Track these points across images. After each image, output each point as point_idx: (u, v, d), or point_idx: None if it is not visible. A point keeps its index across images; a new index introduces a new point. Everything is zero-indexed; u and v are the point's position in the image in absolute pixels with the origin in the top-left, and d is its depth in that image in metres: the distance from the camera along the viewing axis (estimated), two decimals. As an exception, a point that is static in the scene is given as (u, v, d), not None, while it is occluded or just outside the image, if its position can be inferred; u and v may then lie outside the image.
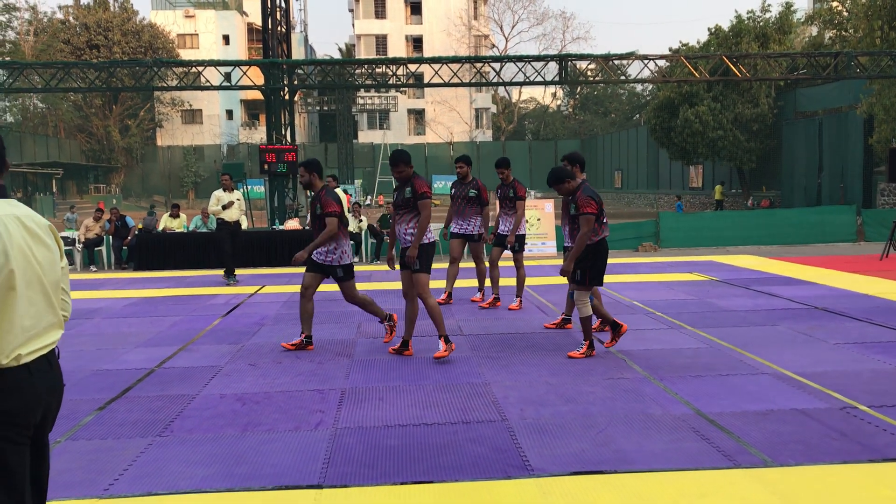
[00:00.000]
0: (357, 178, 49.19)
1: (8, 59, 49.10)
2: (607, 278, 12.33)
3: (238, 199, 12.70)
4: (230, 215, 12.64)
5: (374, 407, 5.49)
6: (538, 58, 23.48)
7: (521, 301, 9.79)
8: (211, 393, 5.98)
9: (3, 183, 2.58)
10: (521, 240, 9.62)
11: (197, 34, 61.35)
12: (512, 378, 6.23)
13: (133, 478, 4.23)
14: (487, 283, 10.14)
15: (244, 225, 13.57)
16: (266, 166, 18.88)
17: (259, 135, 57.80)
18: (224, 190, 12.74)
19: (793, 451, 4.45)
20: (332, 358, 7.12)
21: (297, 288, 12.20)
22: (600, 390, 5.81)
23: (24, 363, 2.44)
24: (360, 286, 12.20)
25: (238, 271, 13.42)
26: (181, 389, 6.10)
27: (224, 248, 12.97)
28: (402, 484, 4.07)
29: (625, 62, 24.41)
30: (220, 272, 13.66)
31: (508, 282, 10.98)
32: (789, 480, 4.04)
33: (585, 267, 6.78)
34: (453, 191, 9.88)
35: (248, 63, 22.71)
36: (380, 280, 13.08)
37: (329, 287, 12.17)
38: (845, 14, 30.14)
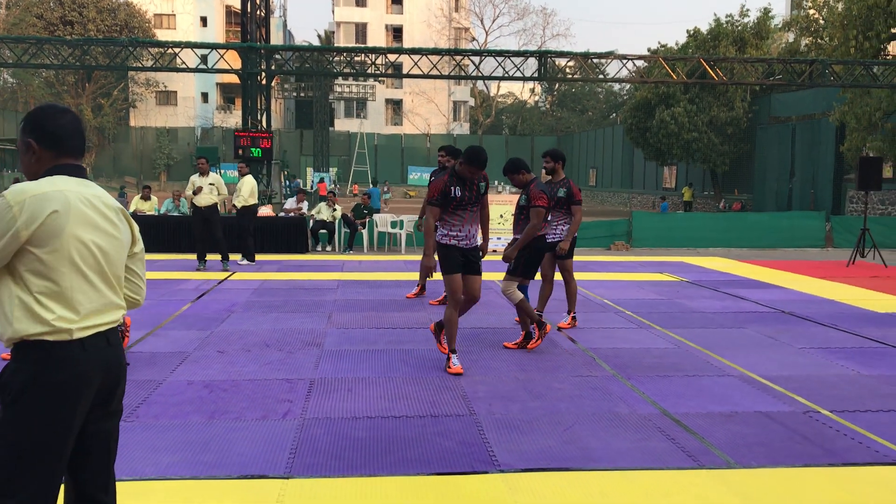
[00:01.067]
0: (332, 166, 48.92)
1: (-21, 31, 48.14)
2: (576, 276, 12.43)
3: (212, 184, 12.55)
4: (201, 200, 12.51)
5: (342, 398, 5.48)
6: (518, 53, 23.50)
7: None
8: (178, 379, 5.92)
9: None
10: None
11: (174, 14, 60.58)
12: (481, 373, 6.25)
13: (96, 463, 4.18)
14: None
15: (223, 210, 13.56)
16: (240, 151, 18.71)
17: (234, 119, 57.26)
18: (200, 174, 12.61)
19: (756, 453, 4.52)
20: (302, 348, 7.09)
21: (267, 275, 12.13)
22: (569, 387, 5.85)
23: (78, 338, 2.46)
24: (331, 276, 12.18)
25: (210, 257, 13.25)
26: (148, 375, 6.04)
27: (195, 234, 12.86)
28: (368, 476, 4.07)
29: (603, 61, 24.52)
30: (192, 256, 13.53)
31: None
32: (751, 482, 4.10)
33: (521, 259, 7.00)
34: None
35: (226, 46, 22.48)
36: (352, 270, 13.04)
37: (300, 275, 12.12)
38: (821, 22, 30.51)
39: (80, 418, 2.49)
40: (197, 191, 12.47)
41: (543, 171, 8.65)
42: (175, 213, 16.34)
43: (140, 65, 23.32)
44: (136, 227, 2.76)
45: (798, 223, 18.98)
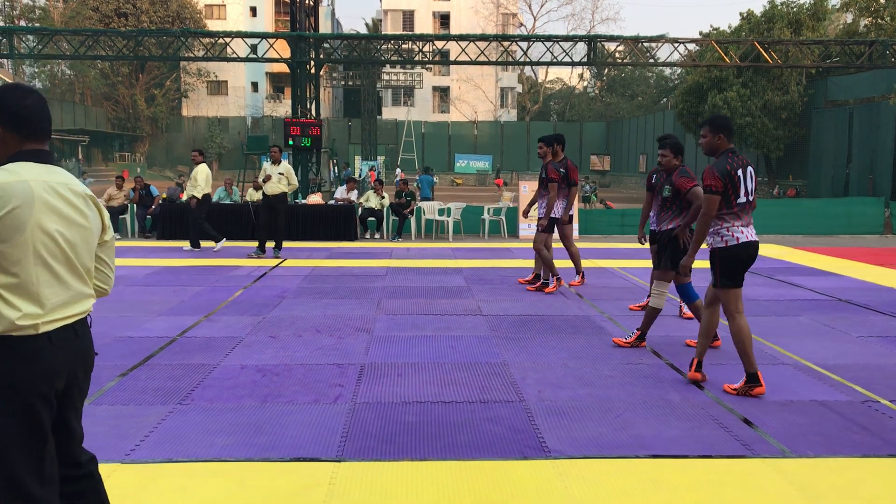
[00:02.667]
0: (380, 154, 49.14)
1: (37, 25, 49.40)
2: (626, 263, 12.34)
3: (281, 174, 12.68)
4: (269, 188, 12.69)
5: (392, 383, 5.52)
6: (566, 38, 23.26)
7: (583, 276, 10.05)
8: (231, 363, 6.03)
9: (46, 148, 2.56)
10: (549, 221, 9.52)
11: (224, 5, 61.31)
12: (530, 359, 6.23)
13: (154, 444, 4.29)
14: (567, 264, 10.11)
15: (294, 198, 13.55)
16: (291, 140, 18.89)
17: (284, 108, 57.84)
18: (272, 162, 12.79)
19: (812, 442, 4.43)
20: (352, 333, 7.16)
21: (317, 262, 12.26)
22: (619, 375, 5.81)
23: (45, 332, 2.43)
24: (380, 263, 12.26)
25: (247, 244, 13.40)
26: (202, 359, 6.16)
27: (258, 221, 13.07)
28: (419, 460, 4.10)
29: (654, 45, 24.13)
30: (243, 244, 13.73)
31: (564, 263, 10.96)
32: (807, 472, 4.02)
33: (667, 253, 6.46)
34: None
35: (275, 35, 22.68)
36: (400, 258, 13.10)
37: (349, 262, 12.23)
38: (882, 1, 29.56)
39: (51, 409, 2.48)
40: (266, 179, 12.64)
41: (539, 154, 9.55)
42: (227, 201, 16.58)
43: (192, 55, 23.67)
44: (107, 215, 2.70)
45: (855, 209, 18.49)
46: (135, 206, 16.48)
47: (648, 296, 7.49)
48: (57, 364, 2.45)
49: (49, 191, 2.45)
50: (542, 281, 9.81)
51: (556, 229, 9.78)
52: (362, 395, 5.22)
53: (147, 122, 58.21)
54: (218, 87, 62.00)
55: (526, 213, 10.54)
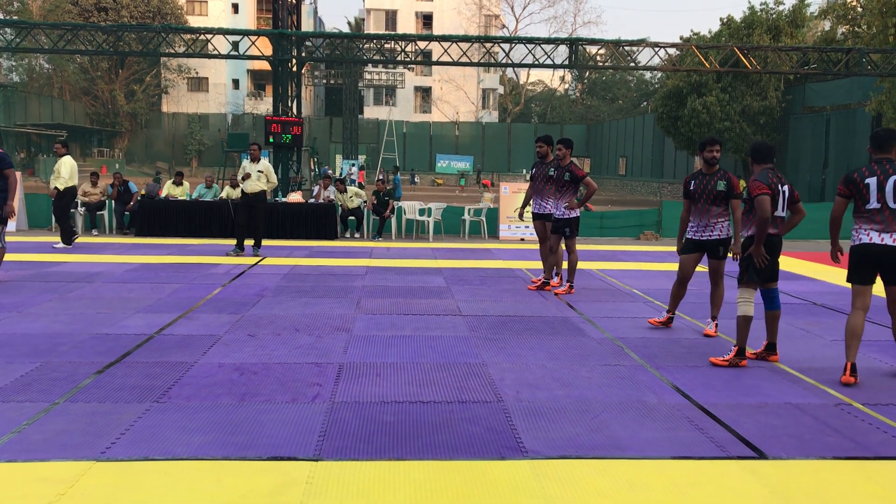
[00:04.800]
0: (361, 153, 49.02)
1: (15, 18, 48.79)
2: (605, 265, 12.41)
3: (261, 171, 12.62)
4: (249, 186, 12.62)
5: (371, 383, 5.52)
6: (548, 40, 23.34)
7: (571, 286, 9.63)
8: (209, 361, 6.00)
9: None
10: (574, 224, 9.53)
11: (206, 1, 60.97)
12: (509, 360, 6.25)
13: (130, 442, 4.26)
14: (565, 265, 9.99)
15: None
16: (271, 138, 18.81)
17: (265, 105, 57.56)
18: (252, 160, 12.72)
19: (786, 444, 4.48)
20: (331, 332, 7.14)
21: (297, 261, 12.22)
22: (596, 376, 5.84)
23: None
24: (360, 262, 12.24)
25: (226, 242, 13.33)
26: (180, 357, 6.12)
27: (237, 219, 12.98)
28: (396, 460, 4.10)
29: (635, 49, 24.27)
30: (222, 241, 13.65)
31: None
32: (781, 473, 4.07)
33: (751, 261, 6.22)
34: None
35: (257, 33, 22.58)
36: (380, 257, 13.09)
37: (329, 261, 12.20)
38: (859, 10, 29.93)
39: None
40: (245, 176, 12.58)
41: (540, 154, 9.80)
42: (206, 198, 16.49)
43: (172, 51, 23.49)
44: None
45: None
46: (113, 202, 16.34)
47: (668, 311, 7.64)
48: None
49: None
50: (542, 280, 10.01)
51: (546, 227, 9.90)
52: (340, 395, 5.22)
53: (126, 117, 57.74)
54: (199, 84, 61.63)
55: (521, 215, 10.47)
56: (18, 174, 11.43)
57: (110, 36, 22.80)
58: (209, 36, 21.81)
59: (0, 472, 3.76)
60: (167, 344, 6.53)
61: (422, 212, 17.00)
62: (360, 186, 17.94)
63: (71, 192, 13.54)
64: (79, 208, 16.15)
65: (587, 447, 4.36)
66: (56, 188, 13.32)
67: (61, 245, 13.23)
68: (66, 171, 13.35)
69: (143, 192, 16.75)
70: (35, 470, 3.85)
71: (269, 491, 3.70)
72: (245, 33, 22.19)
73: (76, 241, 13.71)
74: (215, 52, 22.15)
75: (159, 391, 5.20)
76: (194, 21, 57.39)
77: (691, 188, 7.36)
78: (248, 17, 61.01)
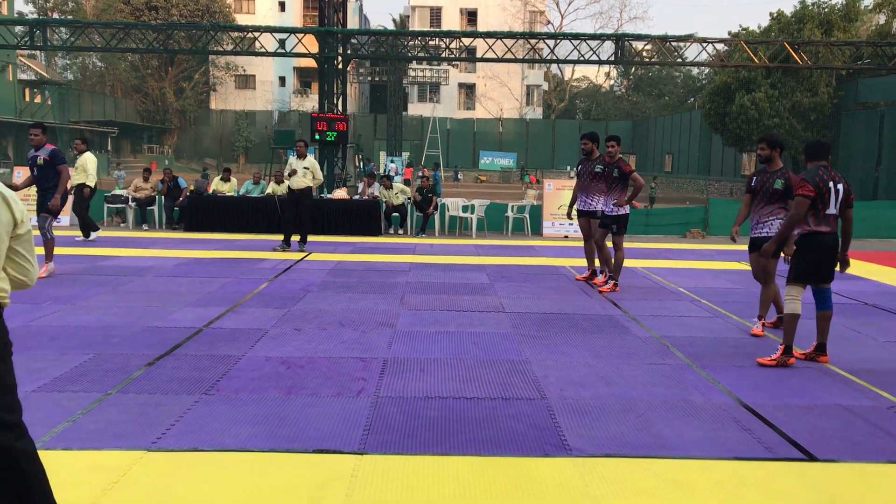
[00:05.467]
0: (405, 150, 49.20)
1: (70, 17, 49.98)
2: (650, 263, 12.28)
3: (306, 168, 12.75)
4: (295, 183, 12.76)
5: (415, 378, 5.56)
6: (594, 36, 23.16)
7: (615, 284, 9.57)
8: (257, 355, 6.10)
9: None
10: (623, 221, 9.51)
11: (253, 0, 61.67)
12: (552, 357, 6.24)
13: (180, 433, 4.35)
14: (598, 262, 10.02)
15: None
16: (317, 135, 18.99)
17: (310, 102, 58.09)
18: (298, 157, 12.86)
19: (836, 447, 4.40)
20: (376, 328, 7.20)
21: (341, 257, 12.33)
22: (641, 375, 5.80)
23: None
24: (404, 258, 12.31)
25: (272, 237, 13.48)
26: (228, 350, 6.23)
27: (284, 215, 13.15)
28: (440, 455, 4.13)
29: (682, 44, 23.96)
30: (268, 237, 13.82)
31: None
32: (830, 476, 4.00)
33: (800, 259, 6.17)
34: (579, 167, 9.99)
35: (304, 31, 22.79)
36: (423, 253, 13.14)
37: (373, 257, 12.28)
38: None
39: None
40: (292, 173, 12.72)
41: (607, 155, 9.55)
42: (253, 194, 16.72)
43: (221, 49, 23.84)
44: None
45: (884, 213, 18.26)
46: (163, 197, 16.66)
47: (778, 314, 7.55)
48: None
49: None
50: (591, 272, 10.19)
51: (591, 224, 9.88)
52: (385, 389, 5.26)
53: (175, 114, 58.74)
54: (246, 82, 62.43)
55: (570, 214, 10.37)
56: (71, 170, 11.71)
57: (160, 34, 23.23)
58: (256, 34, 22.08)
59: (56, 460, 3.87)
60: (216, 337, 6.65)
61: (465, 208, 17.02)
62: (406, 183, 18.03)
63: (94, 189, 13.82)
64: (130, 203, 16.52)
65: (632, 446, 4.34)
66: (89, 186, 13.57)
67: (82, 238, 13.60)
68: (92, 167, 13.58)
69: (192, 187, 17.05)
70: (89, 458, 3.96)
71: (315, 484, 3.75)
72: (292, 31, 22.42)
73: (98, 234, 14.02)
74: (262, 50, 22.45)
75: (208, 383, 5.30)
76: (242, 19, 58.17)
77: (752, 184, 7.38)
78: (294, 15, 61.61)
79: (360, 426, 4.53)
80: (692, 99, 62.56)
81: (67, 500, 3.40)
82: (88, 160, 13.52)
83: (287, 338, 6.71)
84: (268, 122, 59.07)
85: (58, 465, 3.83)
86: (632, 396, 5.25)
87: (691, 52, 72.62)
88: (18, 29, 24.35)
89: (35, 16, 53.65)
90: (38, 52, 52.46)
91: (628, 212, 9.60)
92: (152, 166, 44.45)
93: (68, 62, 56.37)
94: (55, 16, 53.93)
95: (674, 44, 23.70)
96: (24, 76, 52.18)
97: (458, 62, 54.07)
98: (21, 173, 16.26)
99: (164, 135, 60.18)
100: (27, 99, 51.23)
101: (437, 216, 16.78)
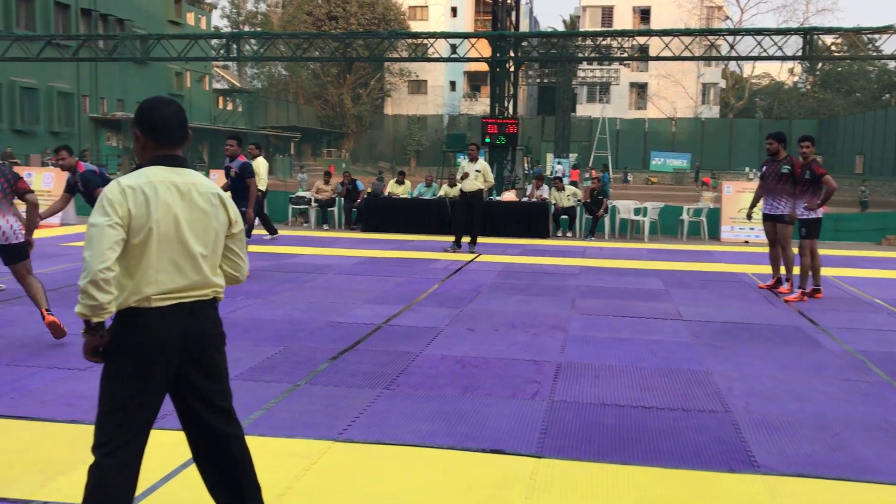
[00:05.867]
0: (572, 151, 48.71)
1: (258, 29, 53.45)
2: (842, 272, 11.44)
3: (478, 171, 12.94)
4: (467, 185, 12.97)
5: (590, 384, 5.49)
6: (779, 31, 21.91)
7: (802, 292, 9.05)
8: (433, 353, 6.25)
9: (178, 154, 2.88)
10: (813, 225, 9.05)
11: (427, 6, 63.32)
12: (736, 369, 5.96)
13: (364, 425, 4.54)
14: (796, 270, 9.40)
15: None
16: (487, 138, 19.20)
17: (479, 106, 58.86)
18: (470, 160, 13.10)
19: None
20: (547, 331, 7.18)
21: (510, 258, 12.39)
22: (835, 391, 5.42)
23: (156, 306, 2.73)
24: (573, 261, 12.19)
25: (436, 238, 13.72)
26: (405, 347, 6.43)
27: (455, 217, 13.42)
28: (619, 464, 4.05)
29: (878, 36, 22.18)
30: (440, 238, 14.12)
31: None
32: None
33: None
34: (764, 169, 9.58)
35: (477, 35, 23.13)
36: (593, 257, 12.95)
37: (542, 259, 12.25)
38: None
39: (161, 378, 2.76)
40: (464, 176, 12.96)
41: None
42: (426, 197, 17.15)
43: (396, 55, 24.61)
44: (234, 210, 2.96)
45: None
46: (342, 199, 17.44)
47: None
48: (164, 337, 2.73)
49: (173, 190, 2.77)
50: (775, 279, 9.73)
51: (777, 229, 9.39)
52: (559, 394, 5.23)
53: (352, 119, 61.33)
54: (418, 87, 64.17)
55: (750, 215, 9.89)
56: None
57: (340, 43, 24.32)
58: (431, 40, 22.62)
59: (253, 445, 4.13)
60: (394, 334, 6.88)
61: (637, 211, 16.61)
62: (573, 184, 17.90)
63: (264, 191, 14.54)
64: (312, 204, 17.42)
65: (826, 466, 4.06)
66: (261, 190, 14.25)
67: (269, 237, 14.41)
68: (263, 172, 14.28)
69: (369, 190, 17.73)
70: (283, 445, 4.21)
71: (494, 483, 3.79)
72: (466, 36, 22.81)
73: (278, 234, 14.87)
74: (437, 56, 22.96)
75: (388, 379, 5.49)
76: (415, 26, 59.84)
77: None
78: (465, 20, 62.68)
79: (536, 429, 4.53)
80: (888, 95, 57.78)
81: (265, 483, 3.60)
82: (260, 165, 14.32)
83: (461, 337, 6.83)
84: (438, 126, 60.40)
85: (255, 450, 4.07)
86: (825, 413, 4.92)
87: (889, 45, 67.16)
88: (214, 42, 26.34)
89: (229, 29, 57.82)
90: (230, 63, 56.52)
91: (821, 216, 9.02)
92: (331, 169, 46.70)
93: (257, 71, 60.32)
94: (246, 29, 57.88)
95: (868, 36, 21.99)
96: (218, 85, 56.39)
97: (631, 62, 52.86)
98: (216, 176, 17.53)
99: (341, 139, 63.03)
100: (220, 106, 55.35)
101: (606, 219, 16.49)
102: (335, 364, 5.86)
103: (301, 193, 18.51)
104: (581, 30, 55.26)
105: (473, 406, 4.94)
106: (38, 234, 13.75)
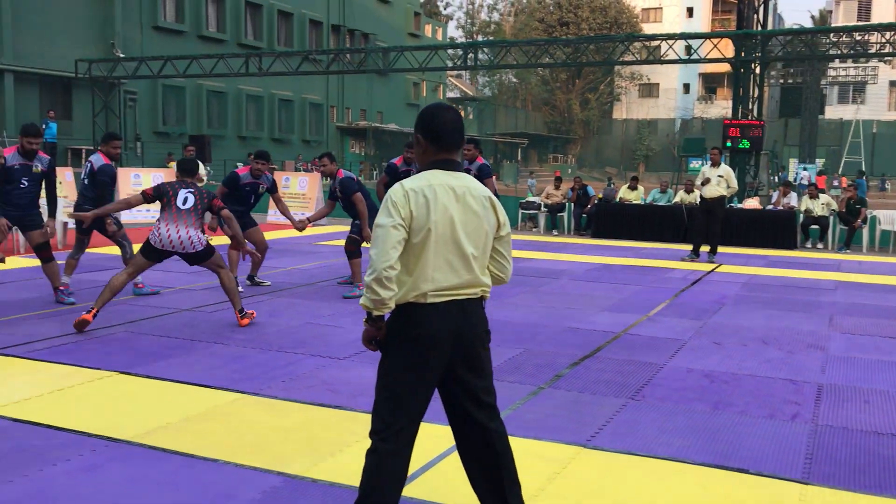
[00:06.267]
0: (819, 156, 45.12)
1: (491, 38, 54.79)
2: None
3: (720, 176, 12.39)
4: (708, 191, 12.45)
5: (858, 409, 5.02)
6: None
7: None
8: (678, 365, 6.02)
9: (455, 158, 2.98)
10: None
11: (661, 8, 61.63)
12: None
13: (612, 434, 4.46)
14: None
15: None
16: (728, 141, 18.27)
17: (714, 109, 56.31)
18: (712, 165, 12.59)
19: None
20: (803, 349, 6.67)
21: (754, 270, 11.69)
22: None
23: (431, 302, 2.85)
24: (826, 275, 11.27)
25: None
26: (648, 357, 6.25)
27: (693, 224, 12.93)
28: (901, 500, 3.66)
29: None
30: (675, 246, 13.64)
31: None
32: None
33: None
34: None
35: (721, 35, 22.10)
36: (850, 271, 11.88)
37: (791, 272, 11.44)
38: None
39: (434, 370, 2.87)
40: (705, 181, 12.46)
41: None
42: (661, 203, 16.65)
43: (632, 58, 24.14)
44: (502, 213, 3.03)
45: None
46: (571, 204, 17.38)
47: None
48: (438, 331, 2.85)
49: (450, 193, 2.88)
50: None
51: None
52: (824, 418, 4.83)
53: (580, 125, 61.08)
54: (649, 90, 62.63)
55: None
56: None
57: (571, 48, 24.26)
58: (670, 42, 21.90)
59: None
60: (634, 343, 6.72)
61: (901, 223, 15.02)
62: (822, 192, 16.57)
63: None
64: (541, 209, 17.53)
65: None
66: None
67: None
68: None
69: (600, 195, 17.53)
70: (531, 447, 4.23)
71: (757, 506, 3.56)
72: (707, 36, 21.87)
73: None
74: (669, 58, 22.18)
75: (633, 389, 5.36)
76: (648, 28, 58.43)
77: None
78: (702, 20, 60.22)
79: (800, 453, 4.21)
80: None
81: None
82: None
83: (707, 351, 6.53)
84: (669, 131, 58.52)
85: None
86: None
87: None
88: (449, 52, 27.32)
89: (463, 39, 59.82)
90: (463, 72, 58.42)
91: None
92: (556, 174, 46.76)
93: (488, 79, 61.81)
94: (479, 38, 59.54)
95: None
96: (451, 94, 58.49)
97: (893, 58, 48.03)
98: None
99: (568, 144, 62.96)
100: (453, 114, 57.19)
101: (864, 230, 15.07)
102: (577, 370, 5.82)
103: (531, 198, 18.68)
104: (833, 25, 51.04)
105: (727, 423, 4.69)
106: (285, 234, 15.02)
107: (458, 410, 3.01)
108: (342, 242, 10.08)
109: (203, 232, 6.97)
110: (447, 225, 2.87)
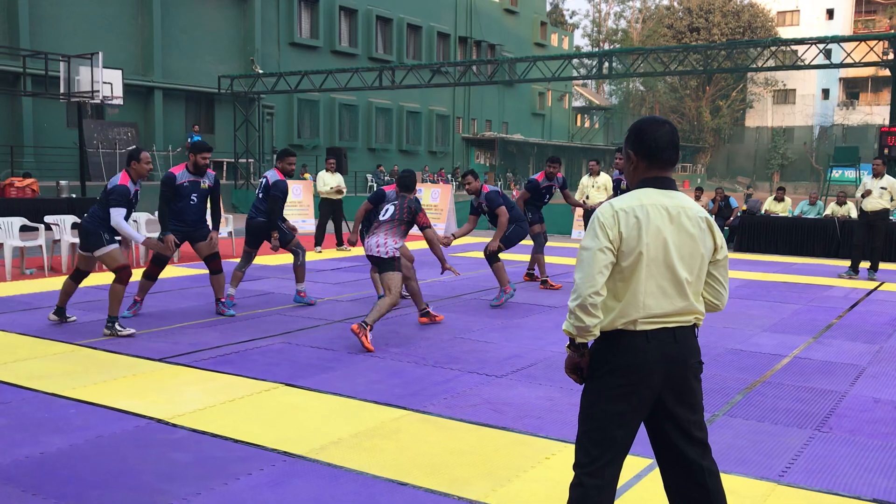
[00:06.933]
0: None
1: (618, 45, 53.87)
2: None
3: (883, 188, 11.59)
4: (868, 204, 11.68)
5: None
6: None
7: None
8: (861, 394, 5.58)
9: (669, 176, 2.78)
10: None
11: (798, 10, 58.88)
12: None
13: (805, 469, 4.13)
14: None
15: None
16: (886, 150, 17.10)
17: (856, 116, 53.26)
18: (874, 176, 11.83)
19: None
20: None
21: (926, 289, 10.83)
22: None
23: (641, 330, 2.68)
24: None
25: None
26: (825, 384, 5.82)
27: (852, 239, 12.18)
28: None
29: None
30: (827, 262, 12.82)
31: None
32: None
33: None
34: None
35: (875, 38, 20.75)
36: None
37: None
38: None
39: (643, 401, 2.70)
40: (866, 194, 11.71)
41: None
42: (810, 216, 15.76)
43: (763, 65, 23.03)
44: (720, 236, 2.81)
45: None
46: (713, 216, 16.72)
47: None
48: (649, 360, 2.67)
49: (663, 213, 2.69)
50: None
51: None
52: None
53: (710, 133, 59.11)
54: (785, 97, 59.91)
55: None
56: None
57: (701, 54, 23.39)
58: (821, 45, 20.74)
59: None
60: (807, 368, 6.29)
61: None
62: None
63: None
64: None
65: None
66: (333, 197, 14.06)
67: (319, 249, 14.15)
68: (330, 180, 13.89)
69: (743, 207, 16.78)
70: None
71: None
72: (858, 39, 20.59)
73: None
74: (815, 63, 20.99)
75: (817, 419, 4.99)
76: (785, 32, 55.92)
77: None
78: (843, 22, 57.09)
79: None
80: None
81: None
82: (328, 175, 14.07)
83: (891, 378, 6.03)
84: (806, 138, 55.75)
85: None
86: None
87: None
88: (574, 61, 26.91)
89: (589, 48, 59.12)
90: (588, 81, 57.66)
91: None
92: (684, 185, 45.38)
93: (614, 88, 60.76)
94: (605, 46, 58.67)
95: None
96: (576, 103, 57.84)
97: None
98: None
99: (696, 153, 61.01)
100: (577, 124, 56.68)
101: None
102: (750, 396, 5.48)
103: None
104: None
105: (933, 463, 4.27)
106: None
107: (667, 446, 2.83)
108: (479, 254, 10.02)
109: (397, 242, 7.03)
110: (660, 248, 2.69)
